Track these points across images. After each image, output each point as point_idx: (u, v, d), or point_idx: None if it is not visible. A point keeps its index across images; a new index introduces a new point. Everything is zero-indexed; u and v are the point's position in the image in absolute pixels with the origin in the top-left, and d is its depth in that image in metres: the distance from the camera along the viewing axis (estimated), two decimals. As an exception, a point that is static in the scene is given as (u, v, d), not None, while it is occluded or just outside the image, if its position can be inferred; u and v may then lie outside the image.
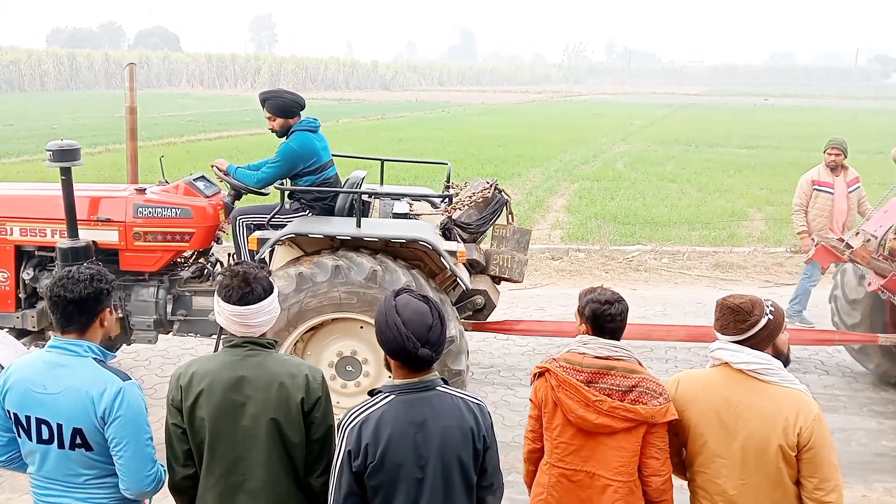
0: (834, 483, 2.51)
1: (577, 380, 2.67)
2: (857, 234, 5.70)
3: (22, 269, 5.09)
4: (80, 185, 4.85)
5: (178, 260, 5.37)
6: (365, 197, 5.11)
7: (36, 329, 5.07)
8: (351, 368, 4.79)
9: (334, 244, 4.73)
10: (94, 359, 2.47)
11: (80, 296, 2.41)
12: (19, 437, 2.47)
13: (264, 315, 2.47)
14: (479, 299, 5.16)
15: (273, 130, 5.17)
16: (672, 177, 16.84)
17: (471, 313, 5.23)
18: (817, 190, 7.36)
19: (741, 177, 16.97)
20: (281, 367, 2.45)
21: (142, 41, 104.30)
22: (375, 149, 20.47)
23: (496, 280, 5.42)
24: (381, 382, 4.44)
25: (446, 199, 5.14)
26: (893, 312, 5.80)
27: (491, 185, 5.26)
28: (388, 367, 2.38)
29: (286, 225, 4.79)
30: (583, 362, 2.71)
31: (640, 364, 2.75)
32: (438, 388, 2.33)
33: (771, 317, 2.59)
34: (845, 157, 7.34)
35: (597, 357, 2.71)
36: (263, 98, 5.13)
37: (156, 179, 5.63)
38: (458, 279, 4.71)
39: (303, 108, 5.16)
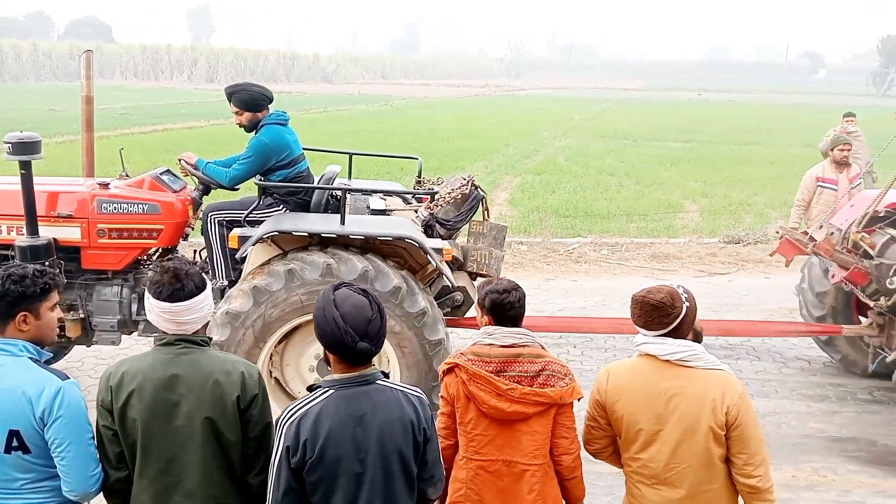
0: (761, 457, 2.62)
1: (487, 371, 2.72)
2: (821, 227, 5.87)
3: None
4: (35, 179, 4.58)
5: (142, 258, 5.17)
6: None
7: None
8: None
9: (312, 241, 4.62)
10: (30, 358, 2.38)
11: None
12: None
13: (196, 312, 2.42)
14: (459, 296, 5.17)
15: (241, 125, 5.01)
16: (611, 170, 17.17)
17: (449, 310, 5.21)
18: (821, 186, 7.45)
19: (677, 170, 17.42)
20: (215, 365, 2.40)
21: (73, 31, 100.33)
22: (318, 142, 20.22)
23: (472, 276, 5.44)
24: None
25: (430, 196, 5.07)
26: (858, 304, 5.94)
27: (468, 182, 5.25)
28: (328, 363, 2.36)
29: (262, 221, 4.65)
30: (490, 353, 2.77)
31: (543, 348, 2.84)
32: (378, 381, 2.32)
33: (688, 304, 2.67)
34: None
35: (503, 346, 2.77)
36: (230, 92, 4.98)
37: (111, 173, 5.41)
38: (444, 277, 4.71)
39: (271, 100, 5.03)
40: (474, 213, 5.28)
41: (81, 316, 4.86)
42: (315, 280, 4.35)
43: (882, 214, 5.48)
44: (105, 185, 4.95)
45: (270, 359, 4.63)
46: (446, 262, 4.74)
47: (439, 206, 5.06)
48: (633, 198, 13.82)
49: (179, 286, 2.37)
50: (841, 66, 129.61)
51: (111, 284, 4.94)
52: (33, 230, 4.55)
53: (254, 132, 4.96)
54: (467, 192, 5.15)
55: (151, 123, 24.87)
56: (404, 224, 4.76)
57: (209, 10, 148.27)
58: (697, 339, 2.82)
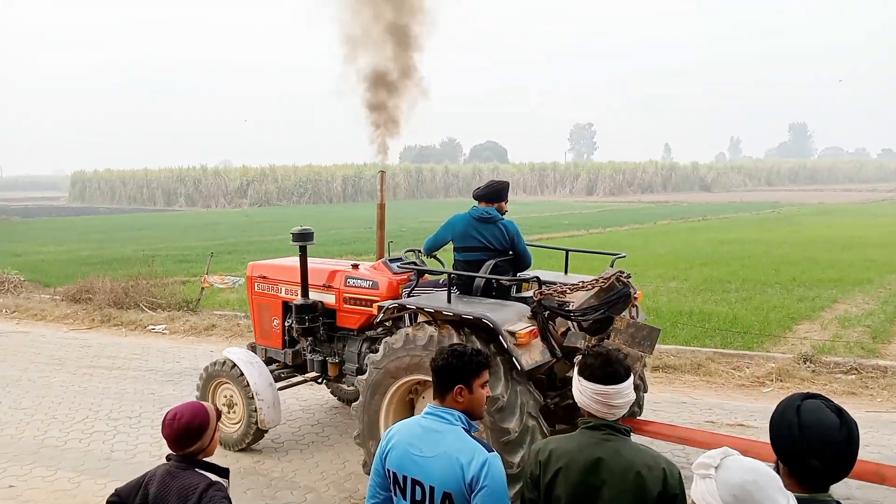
0: None
1: None
2: None
3: (287, 318, 6.60)
4: (310, 259, 6.38)
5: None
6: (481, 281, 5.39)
7: (290, 364, 6.70)
8: None
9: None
10: (463, 428, 2.62)
11: (437, 366, 2.68)
12: (395, 495, 2.67)
13: (624, 397, 2.46)
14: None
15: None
16: None
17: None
18: None
19: None
20: (637, 457, 2.37)
21: (475, 155, 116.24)
22: (696, 250, 19.76)
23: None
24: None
25: (538, 283, 5.11)
26: None
27: (612, 276, 5.00)
28: None
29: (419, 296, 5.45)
30: None
31: None
32: None
33: None
34: None
35: None
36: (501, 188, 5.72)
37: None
38: (513, 358, 4.64)
39: (478, 198, 5.64)
40: (616, 308, 4.98)
41: (336, 361, 6.34)
42: (420, 347, 4.88)
43: None
44: (355, 266, 6.36)
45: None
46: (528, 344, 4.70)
47: (546, 296, 4.95)
48: None
49: (612, 370, 2.45)
50: None
51: (356, 340, 6.26)
52: (305, 293, 6.30)
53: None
54: (605, 285, 4.95)
55: (537, 233, 26.98)
56: (490, 307, 4.95)
57: (591, 128, 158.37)
58: None
